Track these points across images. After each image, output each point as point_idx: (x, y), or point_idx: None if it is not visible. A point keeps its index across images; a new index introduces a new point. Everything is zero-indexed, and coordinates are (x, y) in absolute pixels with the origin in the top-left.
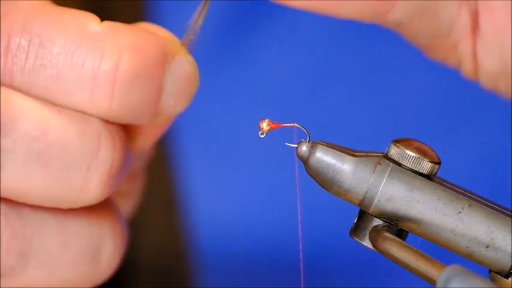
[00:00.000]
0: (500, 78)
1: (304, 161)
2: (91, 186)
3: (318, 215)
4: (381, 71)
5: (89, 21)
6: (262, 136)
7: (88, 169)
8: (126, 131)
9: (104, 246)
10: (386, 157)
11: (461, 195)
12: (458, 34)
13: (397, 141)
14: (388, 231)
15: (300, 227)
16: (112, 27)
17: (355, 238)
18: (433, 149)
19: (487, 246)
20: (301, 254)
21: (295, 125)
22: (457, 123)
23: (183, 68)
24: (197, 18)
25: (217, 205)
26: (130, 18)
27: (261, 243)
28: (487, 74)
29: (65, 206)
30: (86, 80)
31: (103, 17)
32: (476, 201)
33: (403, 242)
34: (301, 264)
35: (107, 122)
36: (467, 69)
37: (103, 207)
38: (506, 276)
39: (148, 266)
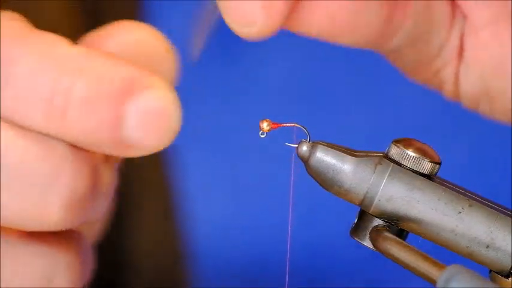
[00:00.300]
0: (481, 100)
1: (305, 161)
2: (51, 210)
3: (318, 216)
4: (381, 71)
5: (57, 43)
6: (262, 136)
7: (48, 192)
8: (106, 162)
9: (56, 278)
10: (387, 157)
11: (461, 195)
12: (445, 58)
13: (397, 141)
14: (388, 231)
15: (289, 227)
16: (79, 51)
17: (355, 238)
18: (434, 149)
19: (487, 246)
20: (288, 254)
21: (296, 125)
22: (457, 123)
23: (152, 102)
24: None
25: (216, 206)
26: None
27: (260, 244)
28: (468, 96)
29: (26, 227)
30: (41, 101)
31: (99, 18)
32: (477, 201)
33: (404, 242)
34: (287, 264)
35: (75, 148)
36: (448, 91)
37: (61, 236)
38: (507, 276)
39: (145, 270)
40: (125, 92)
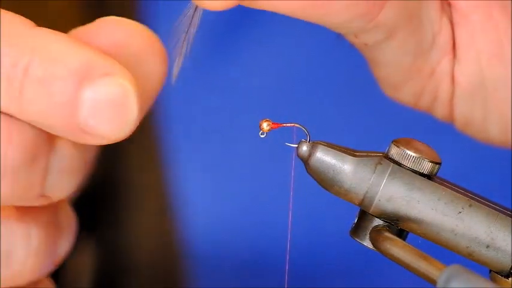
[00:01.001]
0: (476, 104)
1: (305, 161)
2: None
3: (318, 216)
4: None
5: (19, 22)
6: (262, 136)
7: None
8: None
9: (15, 250)
10: (387, 157)
11: (461, 195)
12: (438, 54)
13: (397, 141)
14: (388, 231)
15: (289, 227)
16: (41, 32)
17: (355, 238)
18: (434, 149)
19: (488, 246)
20: (287, 254)
21: (296, 125)
22: None
23: (111, 90)
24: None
25: (216, 206)
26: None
27: (259, 244)
28: (463, 100)
29: None
30: (1, 78)
31: (95, 16)
32: (477, 201)
33: (404, 242)
34: (287, 265)
35: (10, 117)
36: (442, 105)
37: (20, 209)
38: (507, 276)
39: (144, 270)
40: (82, 76)
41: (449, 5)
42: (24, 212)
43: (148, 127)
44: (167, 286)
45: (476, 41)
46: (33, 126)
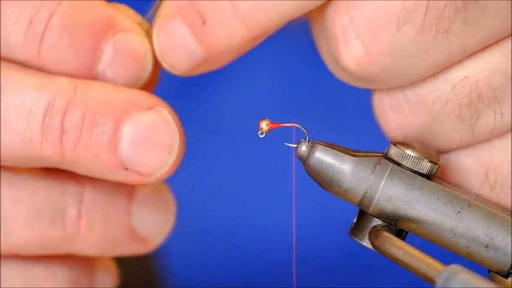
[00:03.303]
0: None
1: (304, 160)
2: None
3: (318, 216)
4: None
5: None
6: (261, 136)
7: (44, 121)
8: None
9: (67, 209)
10: (386, 157)
11: (461, 195)
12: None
13: (396, 141)
14: (387, 231)
15: (293, 226)
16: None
17: (354, 238)
18: (433, 149)
19: (487, 246)
20: (294, 254)
21: (295, 125)
22: None
23: (131, 44)
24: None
25: (216, 206)
26: None
27: (259, 243)
28: None
29: None
30: (21, 26)
31: None
32: (476, 201)
33: (403, 242)
34: (294, 264)
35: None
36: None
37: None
38: (506, 276)
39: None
40: (105, 27)
41: None
42: None
43: None
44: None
45: None
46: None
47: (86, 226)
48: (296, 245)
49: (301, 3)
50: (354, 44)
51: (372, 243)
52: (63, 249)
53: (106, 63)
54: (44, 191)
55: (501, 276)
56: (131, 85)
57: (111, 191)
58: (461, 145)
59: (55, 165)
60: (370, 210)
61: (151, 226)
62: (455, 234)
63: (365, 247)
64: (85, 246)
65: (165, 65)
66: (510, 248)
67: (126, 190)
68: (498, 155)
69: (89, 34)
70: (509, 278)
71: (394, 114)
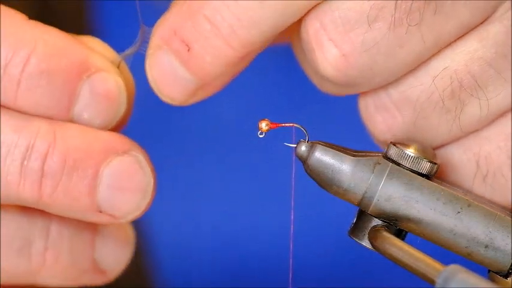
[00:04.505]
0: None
1: (303, 160)
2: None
3: (317, 216)
4: None
5: (13, 16)
6: (261, 136)
7: (23, 163)
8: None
9: (34, 241)
10: (386, 157)
11: (460, 195)
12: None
13: (396, 142)
14: (387, 231)
15: (291, 227)
16: (39, 26)
17: (354, 238)
18: (432, 149)
19: (486, 246)
20: (291, 254)
21: (294, 125)
22: None
23: (105, 85)
24: (137, 45)
25: (215, 206)
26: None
27: (259, 244)
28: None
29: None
30: None
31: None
32: (476, 201)
33: (403, 242)
34: (290, 264)
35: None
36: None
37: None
38: (506, 276)
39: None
40: (81, 70)
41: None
42: None
43: None
44: None
45: None
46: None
47: (52, 258)
48: (294, 245)
49: (280, 17)
50: (328, 48)
51: (371, 243)
52: (29, 280)
53: (82, 105)
54: (13, 223)
55: (501, 276)
56: (106, 125)
57: (77, 225)
58: (450, 138)
59: (30, 206)
60: (370, 210)
61: (112, 259)
62: (454, 234)
63: (364, 247)
64: (49, 277)
65: (162, 96)
66: (510, 248)
67: (91, 224)
68: (487, 144)
69: (66, 77)
70: (508, 278)
71: (381, 115)
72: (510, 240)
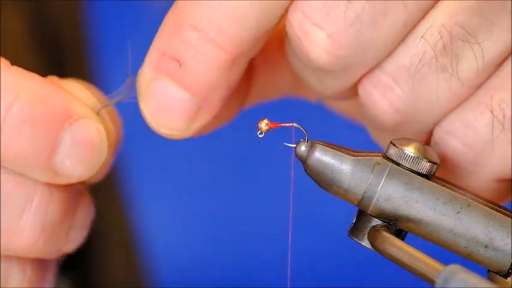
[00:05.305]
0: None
1: (303, 160)
2: (22, 234)
3: (317, 216)
4: None
5: (4, 63)
6: (260, 136)
7: (20, 216)
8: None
9: (10, 281)
10: (385, 157)
11: (460, 195)
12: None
13: (395, 141)
14: (387, 231)
15: (290, 227)
16: (20, 73)
17: (353, 238)
18: (432, 149)
19: (486, 246)
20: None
21: (294, 124)
22: None
23: (87, 132)
24: (120, 96)
25: (214, 206)
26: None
27: (258, 244)
28: None
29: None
30: None
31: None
32: (475, 201)
33: (402, 242)
34: (289, 264)
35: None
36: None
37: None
38: (505, 276)
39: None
40: (63, 118)
41: None
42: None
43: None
44: None
45: None
46: (67, 187)
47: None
48: (294, 245)
49: (265, 9)
50: (313, 33)
51: (371, 243)
52: None
53: (64, 153)
54: None
55: (500, 276)
56: (88, 172)
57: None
58: (455, 100)
59: None
60: (370, 210)
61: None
62: (454, 234)
63: (364, 247)
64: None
65: (163, 129)
66: (509, 248)
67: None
68: (497, 92)
69: (48, 126)
70: (508, 278)
71: (379, 92)
72: (510, 240)
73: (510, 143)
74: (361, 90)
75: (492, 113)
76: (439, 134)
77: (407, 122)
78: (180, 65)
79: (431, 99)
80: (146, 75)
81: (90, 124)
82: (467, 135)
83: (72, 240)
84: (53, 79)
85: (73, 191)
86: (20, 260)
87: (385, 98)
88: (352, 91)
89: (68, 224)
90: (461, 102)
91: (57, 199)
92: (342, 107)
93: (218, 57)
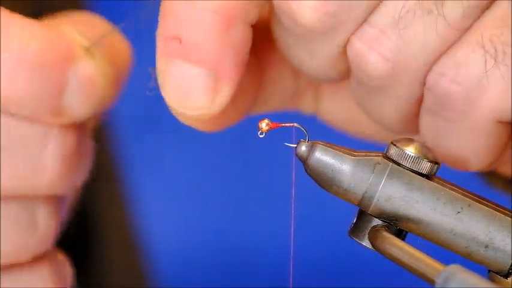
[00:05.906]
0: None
1: (303, 160)
2: (45, 172)
3: (317, 216)
4: None
5: (6, 13)
6: (261, 136)
7: (41, 156)
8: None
9: (39, 218)
10: (386, 157)
11: (460, 195)
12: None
13: (396, 141)
14: (387, 231)
15: (291, 227)
16: (25, 19)
17: (354, 238)
18: (433, 149)
19: (486, 246)
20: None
21: (295, 124)
22: None
23: (88, 71)
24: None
25: (214, 206)
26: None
27: (256, 245)
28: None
29: (22, 193)
30: None
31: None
32: (476, 201)
33: (403, 242)
34: (291, 264)
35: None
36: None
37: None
38: (506, 276)
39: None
40: (68, 59)
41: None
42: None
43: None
44: None
45: None
46: (74, 124)
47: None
48: (295, 245)
49: None
50: None
51: (371, 243)
52: None
53: (71, 94)
54: None
55: (501, 276)
56: (92, 110)
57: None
58: (444, 42)
59: None
60: (370, 210)
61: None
62: (454, 235)
63: (365, 247)
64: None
65: (192, 111)
66: (510, 248)
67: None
68: (486, 30)
69: (56, 68)
70: (508, 278)
71: (367, 45)
72: (510, 240)
73: (505, 78)
74: (349, 50)
75: (484, 48)
76: (431, 79)
77: (398, 72)
78: (180, 42)
79: (419, 43)
80: (159, 63)
81: (89, 62)
82: (459, 73)
83: (83, 176)
84: (47, 21)
85: (79, 128)
86: (45, 199)
87: (373, 49)
88: (343, 64)
89: (79, 159)
90: (451, 45)
91: (71, 135)
92: (335, 117)
93: (210, 21)
